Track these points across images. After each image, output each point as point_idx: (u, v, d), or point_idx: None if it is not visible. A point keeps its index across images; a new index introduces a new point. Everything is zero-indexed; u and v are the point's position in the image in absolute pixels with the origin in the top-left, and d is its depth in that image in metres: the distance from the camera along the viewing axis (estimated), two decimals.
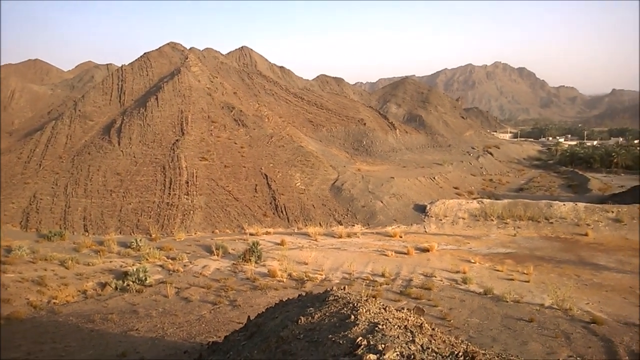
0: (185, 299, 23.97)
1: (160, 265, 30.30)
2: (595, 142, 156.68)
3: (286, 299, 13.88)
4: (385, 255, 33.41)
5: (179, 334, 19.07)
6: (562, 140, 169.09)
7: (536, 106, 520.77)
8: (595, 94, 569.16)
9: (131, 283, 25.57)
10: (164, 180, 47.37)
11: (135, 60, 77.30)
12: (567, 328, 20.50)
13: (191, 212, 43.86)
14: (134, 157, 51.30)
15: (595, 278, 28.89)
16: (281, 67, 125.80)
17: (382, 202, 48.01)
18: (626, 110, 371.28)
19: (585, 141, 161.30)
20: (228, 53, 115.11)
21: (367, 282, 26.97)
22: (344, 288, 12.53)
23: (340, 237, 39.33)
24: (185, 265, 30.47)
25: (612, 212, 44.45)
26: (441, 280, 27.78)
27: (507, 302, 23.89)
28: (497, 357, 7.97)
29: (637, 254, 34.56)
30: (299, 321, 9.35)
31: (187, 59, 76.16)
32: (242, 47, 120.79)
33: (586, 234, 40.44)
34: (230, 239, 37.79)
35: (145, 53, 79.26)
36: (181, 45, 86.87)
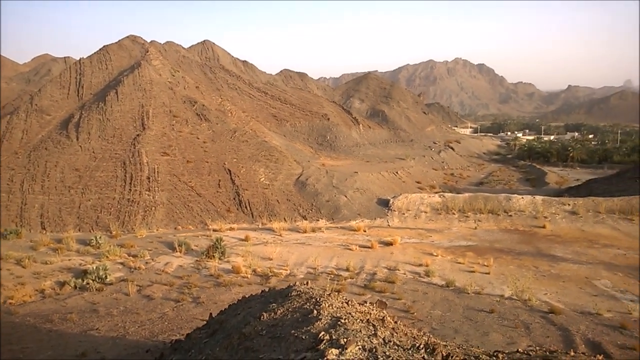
0: (147, 296, 23.52)
1: (121, 263, 29.60)
2: (552, 137, 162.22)
3: (249, 295, 13.82)
4: (350, 249, 33.69)
5: (141, 333, 18.71)
6: (520, 135, 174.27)
7: (495, 102, 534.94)
8: (552, 90, 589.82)
9: (91, 281, 24.89)
10: (125, 176, 46.21)
11: (94, 53, 74.84)
12: (526, 318, 21.21)
13: (153, 208, 42.98)
14: (93, 152, 49.80)
15: (552, 269, 29.98)
16: (244, 62, 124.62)
17: (346, 196, 48.34)
18: (581, 106, 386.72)
19: (542, 136, 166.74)
20: (190, 47, 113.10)
21: (332, 276, 27.14)
22: (307, 283, 12.57)
23: (305, 232, 39.38)
24: (147, 263, 29.86)
25: (569, 204, 46.20)
26: (404, 274, 28.23)
27: (469, 293, 24.52)
28: (458, 348, 8.16)
29: (592, 245, 36.05)
30: (262, 317, 9.31)
31: (147, 52, 74.31)
32: (204, 41, 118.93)
33: (544, 227, 41.87)
34: (193, 235, 37.26)
35: (104, 46, 76.81)
36: (141, 38, 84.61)
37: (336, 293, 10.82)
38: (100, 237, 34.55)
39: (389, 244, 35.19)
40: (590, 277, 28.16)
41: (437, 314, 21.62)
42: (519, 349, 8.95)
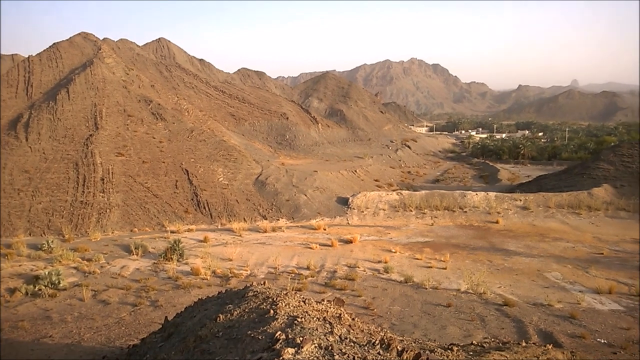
0: (102, 301, 22.84)
1: (75, 267, 28.58)
2: (504, 135, 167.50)
3: (206, 297, 13.66)
4: (310, 248, 33.80)
5: (97, 339, 18.17)
6: (473, 133, 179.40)
7: (450, 101, 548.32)
8: (504, 89, 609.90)
9: (43, 287, 23.91)
10: (77, 177, 44.63)
11: (44, 50, 71.83)
12: (481, 311, 21.91)
13: (107, 210, 41.71)
14: (44, 153, 47.83)
15: (506, 263, 31.07)
16: (201, 60, 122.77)
17: (306, 195, 48.44)
18: (531, 105, 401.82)
19: (494, 134, 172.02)
20: (144, 44, 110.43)
21: (293, 275, 27.17)
22: (264, 283, 12.55)
23: (265, 231, 39.23)
24: (102, 267, 28.97)
25: (520, 200, 47.98)
26: (364, 271, 28.58)
27: (427, 289, 25.08)
28: (415, 342, 8.37)
29: (543, 239, 37.58)
30: (218, 319, 9.24)
31: (100, 49, 71.97)
32: (159, 39, 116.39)
33: (497, 222, 43.31)
34: (151, 238, 36.44)
35: (54, 43, 73.87)
36: (94, 35, 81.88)
37: (293, 292, 10.84)
38: (52, 241, 33.25)
39: (349, 241, 35.53)
40: (541, 270, 29.36)
41: (397, 309, 22.02)
42: (474, 341, 9.28)
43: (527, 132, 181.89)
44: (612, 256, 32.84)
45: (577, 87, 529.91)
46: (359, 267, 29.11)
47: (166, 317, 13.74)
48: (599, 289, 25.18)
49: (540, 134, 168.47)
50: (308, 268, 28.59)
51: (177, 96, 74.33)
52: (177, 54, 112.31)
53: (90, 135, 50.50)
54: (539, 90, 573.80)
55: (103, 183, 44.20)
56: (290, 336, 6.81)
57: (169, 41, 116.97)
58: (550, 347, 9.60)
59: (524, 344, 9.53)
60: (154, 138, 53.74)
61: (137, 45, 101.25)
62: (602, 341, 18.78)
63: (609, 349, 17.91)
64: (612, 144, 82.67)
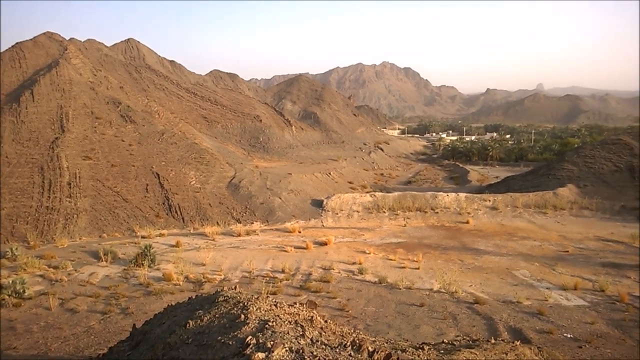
0: (70, 310, 22.22)
1: (41, 275, 27.73)
2: (473, 137, 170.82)
3: (176, 303, 13.45)
4: (285, 251, 33.71)
5: (65, 349, 17.67)
6: (444, 135, 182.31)
7: (421, 104, 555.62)
8: (472, 93, 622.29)
9: (7, 297, 23.11)
10: (43, 182, 43.36)
11: (6, 50, 69.66)
12: (453, 310, 22.28)
13: (75, 216, 40.66)
14: (7, 157, 46.30)
15: (476, 262, 31.67)
16: (172, 61, 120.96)
17: (280, 198, 48.29)
18: (499, 108, 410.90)
19: (464, 136, 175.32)
20: (113, 45, 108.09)
21: (268, 279, 27.03)
22: (235, 287, 12.43)
23: (239, 235, 38.92)
24: (69, 274, 28.18)
25: (489, 200, 48.98)
26: (339, 272, 28.67)
27: (400, 289, 25.34)
28: (387, 343, 8.44)
29: (511, 238, 38.46)
30: (187, 325, 9.09)
31: (66, 50, 70.26)
32: (128, 39, 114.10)
33: (467, 222, 44.10)
34: (120, 243, 35.67)
35: (17, 43, 71.71)
36: (59, 35, 79.85)
37: (266, 296, 10.76)
38: (16, 249, 32.16)
39: (324, 244, 35.59)
40: (510, 268, 30.04)
41: (371, 310, 22.17)
42: (445, 340, 9.43)
43: (495, 134, 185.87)
44: (576, 254, 33.86)
45: (543, 91, 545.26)
46: (333, 269, 29.18)
47: (134, 324, 13.46)
48: (564, 285, 25.95)
49: (508, 136, 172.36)
50: (283, 271, 28.50)
51: (147, 98, 73.15)
52: (147, 55, 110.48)
53: (56, 138, 49.19)
54: (506, 93, 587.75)
55: (70, 187, 43.08)
56: (261, 341, 6.77)
57: (139, 42, 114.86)
58: (518, 343, 9.84)
59: (492, 341, 9.74)
60: (123, 141, 52.71)
61: (105, 46, 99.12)
62: (569, 336, 19.35)
63: (575, 344, 18.47)
64: (576, 145, 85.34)
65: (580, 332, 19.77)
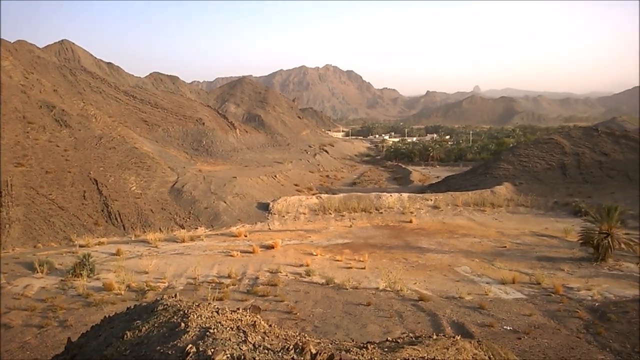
0: (4, 325, 20.92)
1: None
2: (414, 139, 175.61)
3: (113, 314, 13.00)
4: (231, 255, 33.27)
5: None
6: (387, 137, 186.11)
7: (364, 106, 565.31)
8: (413, 95, 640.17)
9: None
10: None
11: None
12: (399, 307, 22.80)
13: (7, 225, 38.29)
14: None
15: (420, 260, 32.55)
16: (109, 64, 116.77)
17: (225, 202, 47.62)
18: (438, 110, 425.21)
19: (406, 138, 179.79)
20: (46, 47, 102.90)
21: (214, 285, 26.58)
22: (176, 295, 12.17)
23: (183, 241, 38.02)
24: (2, 287, 26.55)
25: (431, 200, 50.56)
26: (286, 275, 28.64)
27: (347, 289, 25.65)
28: (331, 344, 8.55)
29: (452, 236, 39.85)
30: (125, 336, 8.77)
31: None
32: (62, 41, 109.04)
33: (410, 221, 45.27)
34: (57, 253, 33.95)
35: None
36: None
37: (208, 303, 10.58)
38: None
39: (271, 247, 35.43)
40: (452, 265, 31.12)
41: (319, 311, 22.31)
42: (389, 338, 9.68)
43: (435, 135, 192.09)
44: (514, 249, 35.57)
45: (479, 93, 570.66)
46: (281, 272, 29.11)
47: (69, 338, 12.84)
48: (503, 279, 27.19)
49: (447, 137, 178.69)
50: (229, 276, 28.11)
51: (84, 101, 70.04)
52: (83, 57, 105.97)
53: None
54: (445, 96, 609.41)
55: (1, 196, 40.52)
56: (201, 349, 6.67)
57: (73, 43, 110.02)
58: (458, 337, 10.24)
59: (434, 337, 10.10)
60: (58, 146, 50.19)
61: (37, 48, 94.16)
62: (508, 328, 20.30)
63: (514, 335, 19.40)
64: (511, 145, 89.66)
65: (519, 324, 20.76)
